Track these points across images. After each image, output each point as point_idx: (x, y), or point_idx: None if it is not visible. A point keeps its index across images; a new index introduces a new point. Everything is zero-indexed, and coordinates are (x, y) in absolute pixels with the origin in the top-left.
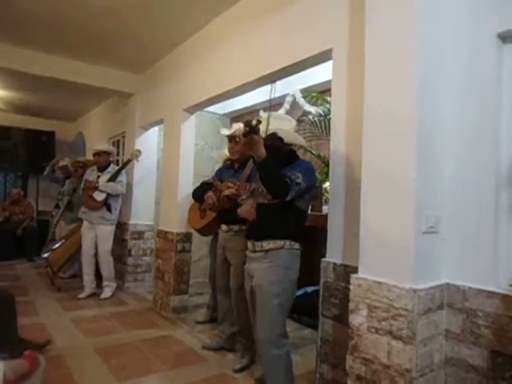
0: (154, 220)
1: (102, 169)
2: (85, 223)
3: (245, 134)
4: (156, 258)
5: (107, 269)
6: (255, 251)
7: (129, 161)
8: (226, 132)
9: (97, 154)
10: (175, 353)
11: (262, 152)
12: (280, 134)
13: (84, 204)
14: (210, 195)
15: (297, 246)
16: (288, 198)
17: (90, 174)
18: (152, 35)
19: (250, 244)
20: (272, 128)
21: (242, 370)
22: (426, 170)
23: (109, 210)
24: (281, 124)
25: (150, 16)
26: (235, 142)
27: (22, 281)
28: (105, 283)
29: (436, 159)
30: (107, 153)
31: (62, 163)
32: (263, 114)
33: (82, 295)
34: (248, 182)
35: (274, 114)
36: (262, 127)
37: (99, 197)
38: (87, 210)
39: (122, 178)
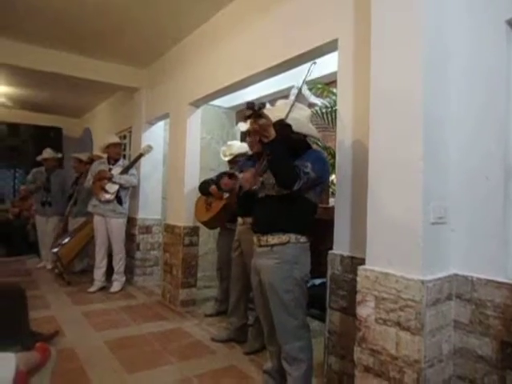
0: (161, 214)
1: (113, 162)
2: (96, 217)
3: (246, 118)
4: (164, 252)
5: (119, 263)
6: (260, 245)
7: (141, 155)
8: (243, 128)
9: (108, 146)
10: (184, 345)
11: (271, 133)
12: (289, 122)
13: (95, 196)
14: (226, 181)
15: (303, 239)
16: (295, 188)
17: (98, 167)
18: (157, 29)
19: (255, 238)
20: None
21: (252, 353)
22: (433, 159)
23: (119, 202)
24: (292, 112)
25: (155, 10)
26: (251, 136)
27: (33, 276)
28: (115, 277)
29: (444, 148)
30: (119, 144)
31: (44, 156)
32: (280, 102)
33: (91, 289)
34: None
35: (286, 101)
36: (282, 114)
37: (112, 189)
38: (98, 202)
39: (133, 171)
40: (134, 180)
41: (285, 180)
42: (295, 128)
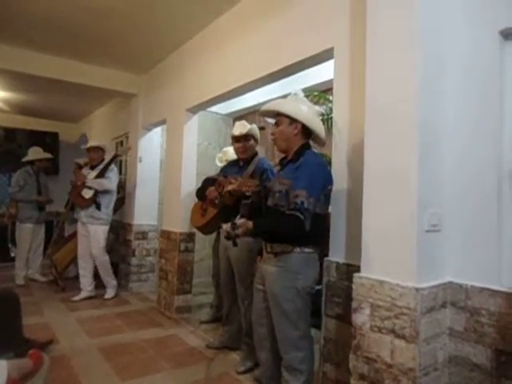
0: (157, 220)
1: (93, 166)
2: (79, 223)
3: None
4: (159, 258)
5: (103, 268)
6: (268, 252)
7: (116, 156)
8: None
9: (88, 150)
10: (179, 352)
11: (248, 229)
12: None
13: (73, 202)
14: (211, 189)
15: (308, 249)
16: (308, 228)
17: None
18: (155, 36)
19: (263, 244)
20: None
21: (245, 372)
22: (428, 168)
23: (98, 208)
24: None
25: (153, 17)
26: (242, 140)
27: (27, 281)
28: (106, 284)
29: (438, 156)
30: (100, 149)
31: (39, 156)
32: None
33: (76, 298)
34: (252, 179)
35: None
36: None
37: (87, 194)
38: (79, 209)
39: (111, 174)
40: (108, 184)
41: (294, 234)
42: (304, 119)
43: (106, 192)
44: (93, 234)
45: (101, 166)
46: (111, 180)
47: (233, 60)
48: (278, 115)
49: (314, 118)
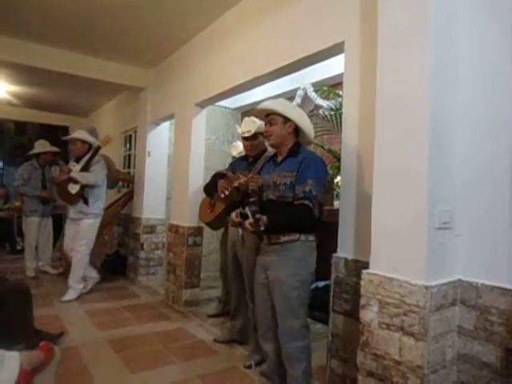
0: (165, 214)
1: (78, 159)
2: (67, 220)
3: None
4: (168, 252)
5: (78, 267)
6: (270, 243)
7: (99, 148)
8: (239, 129)
9: (70, 142)
10: (187, 345)
11: (265, 222)
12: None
13: (60, 198)
14: (222, 183)
15: (312, 237)
16: (317, 215)
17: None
18: (164, 30)
19: (265, 236)
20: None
21: (253, 366)
22: (439, 163)
23: (86, 203)
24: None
25: (162, 10)
26: (250, 139)
27: (37, 273)
28: (70, 284)
29: (449, 152)
30: (82, 141)
31: (45, 149)
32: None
33: (65, 298)
34: (260, 175)
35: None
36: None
37: (73, 189)
38: (69, 206)
39: (96, 166)
40: (92, 178)
41: (306, 223)
42: (297, 119)
43: (92, 186)
44: (82, 228)
45: (86, 158)
46: (96, 173)
47: (241, 54)
48: (271, 115)
49: (304, 118)
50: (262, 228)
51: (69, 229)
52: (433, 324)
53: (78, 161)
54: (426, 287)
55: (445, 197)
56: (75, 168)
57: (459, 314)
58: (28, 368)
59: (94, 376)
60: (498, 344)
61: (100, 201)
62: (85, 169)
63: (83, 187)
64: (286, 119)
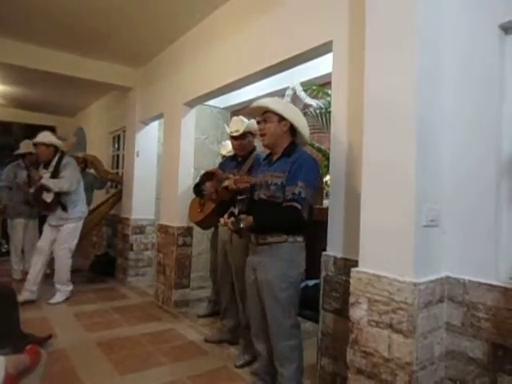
0: (154, 214)
1: (46, 164)
2: (46, 227)
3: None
4: (157, 253)
5: (62, 270)
6: (258, 244)
7: (63, 153)
8: (228, 129)
9: (36, 146)
10: (177, 346)
11: (249, 222)
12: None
13: (38, 206)
14: (208, 184)
15: (300, 238)
16: (306, 217)
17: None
18: (153, 29)
19: (253, 237)
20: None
21: (243, 365)
22: (426, 163)
23: (64, 209)
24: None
25: (150, 9)
26: (239, 139)
27: (24, 276)
28: (57, 286)
29: (436, 151)
30: (45, 145)
31: (29, 149)
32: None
33: (53, 300)
34: (249, 175)
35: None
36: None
37: (48, 198)
38: (50, 213)
39: (67, 171)
40: (65, 183)
41: (292, 223)
42: (292, 118)
43: (67, 192)
44: (64, 232)
45: (53, 163)
46: (67, 178)
47: (230, 53)
48: (266, 113)
49: (300, 118)
50: (242, 226)
51: (47, 231)
52: (421, 321)
53: (46, 166)
54: (415, 284)
55: (432, 195)
56: (46, 175)
57: (447, 310)
58: (13, 372)
59: (83, 379)
60: (484, 339)
61: (80, 204)
62: (55, 174)
63: (58, 194)
64: (282, 118)
